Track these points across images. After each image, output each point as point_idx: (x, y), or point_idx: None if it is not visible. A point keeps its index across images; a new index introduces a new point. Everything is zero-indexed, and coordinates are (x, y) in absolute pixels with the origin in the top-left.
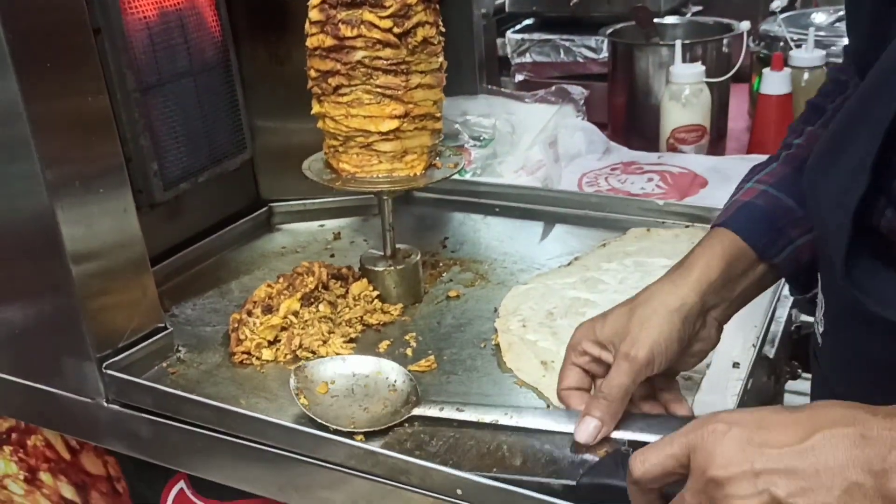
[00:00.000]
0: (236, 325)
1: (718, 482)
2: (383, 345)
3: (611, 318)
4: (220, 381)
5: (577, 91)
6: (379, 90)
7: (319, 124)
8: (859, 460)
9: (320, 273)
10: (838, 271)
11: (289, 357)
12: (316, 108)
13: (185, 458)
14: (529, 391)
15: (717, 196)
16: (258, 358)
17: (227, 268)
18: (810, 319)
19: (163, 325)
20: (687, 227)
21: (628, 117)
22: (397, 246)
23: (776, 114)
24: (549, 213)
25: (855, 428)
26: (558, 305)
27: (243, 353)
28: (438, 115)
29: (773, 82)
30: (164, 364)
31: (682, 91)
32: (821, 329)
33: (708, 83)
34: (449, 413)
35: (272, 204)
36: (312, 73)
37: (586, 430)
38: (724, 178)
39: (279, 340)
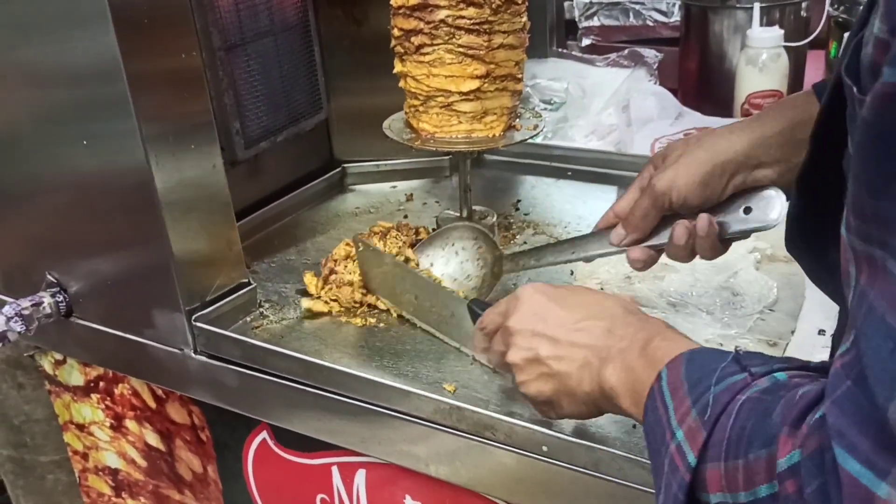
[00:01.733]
0: (329, 271)
1: (509, 331)
2: None
3: (678, 145)
4: (303, 335)
5: (651, 54)
6: (461, 50)
7: (401, 84)
8: (596, 347)
9: (402, 234)
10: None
11: (369, 320)
12: (398, 68)
13: (270, 409)
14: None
15: None
16: (347, 310)
17: (303, 227)
18: None
19: (247, 280)
20: None
21: (700, 82)
22: (473, 207)
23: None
24: (622, 178)
25: (607, 322)
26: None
27: (332, 300)
28: (520, 75)
29: None
30: (248, 318)
31: (760, 56)
32: None
33: (785, 48)
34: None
35: (346, 165)
36: (396, 32)
37: (617, 234)
38: None
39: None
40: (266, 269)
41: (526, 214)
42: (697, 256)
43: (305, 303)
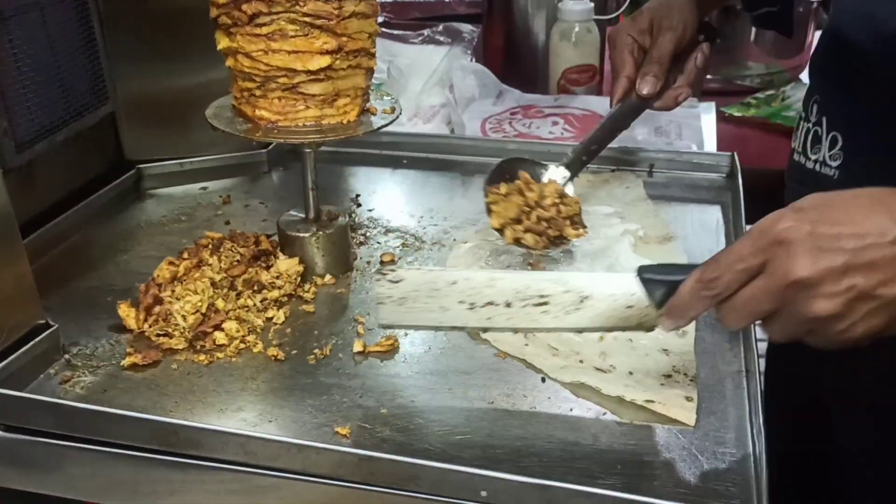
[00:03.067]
0: (152, 299)
1: (805, 283)
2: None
3: (646, 10)
4: (132, 385)
5: (468, 29)
6: (307, 19)
7: (229, 62)
8: None
9: (239, 245)
10: None
11: (216, 355)
12: (224, 43)
13: (109, 491)
14: (514, 362)
15: (630, 137)
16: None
17: (98, 245)
18: None
19: (45, 321)
20: (613, 171)
21: (507, 60)
22: (320, 207)
23: None
24: (463, 164)
25: None
26: (513, 263)
27: (160, 334)
28: (373, 50)
29: None
30: (52, 371)
31: (573, 30)
32: (835, 163)
33: (597, 20)
34: None
35: (141, 166)
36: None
37: (648, 84)
38: None
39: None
40: (62, 303)
41: (370, 210)
42: None
43: (129, 358)
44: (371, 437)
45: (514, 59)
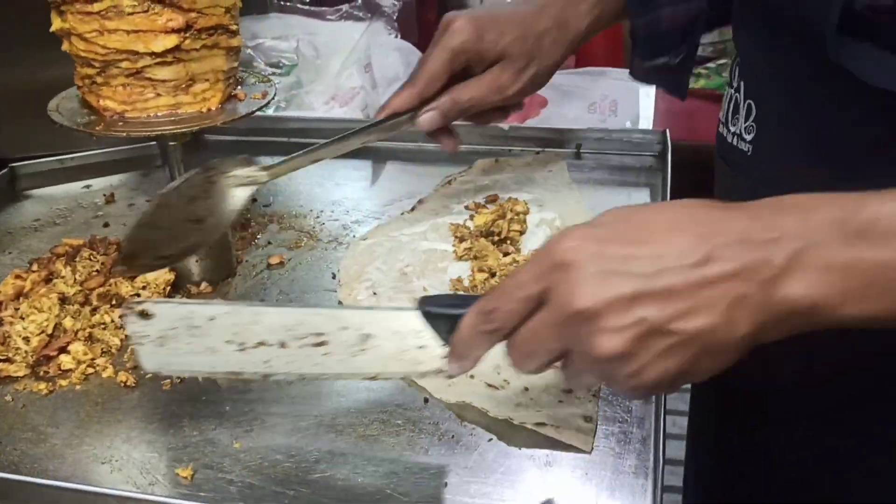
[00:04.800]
0: None
1: (586, 315)
2: None
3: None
4: None
5: (389, 3)
6: None
7: (64, 47)
8: (747, 269)
9: (99, 253)
10: (828, 42)
11: (59, 382)
12: (56, 24)
13: None
14: (396, 380)
15: (561, 114)
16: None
17: None
18: None
19: None
20: (538, 152)
21: None
22: None
23: None
24: (376, 149)
25: (730, 233)
26: (412, 262)
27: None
28: (234, 27)
29: None
30: None
31: (504, 1)
32: (749, 137)
33: None
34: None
35: (14, 164)
36: None
37: (400, 98)
38: (563, 94)
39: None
40: None
41: (266, 206)
42: None
43: None
44: (215, 480)
45: None
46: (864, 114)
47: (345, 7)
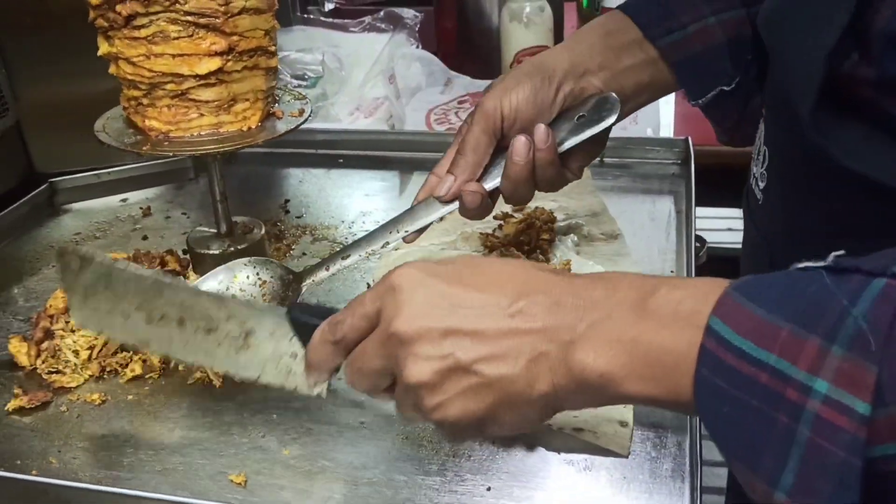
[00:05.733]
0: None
1: (399, 338)
2: None
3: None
4: (15, 432)
5: (410, 15)
6: (189, 18)
7: (112, 70)
8: (549, 329)
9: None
10: (804, 120)
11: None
12: (104, 49)
13: None
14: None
15: None
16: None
17: (4, 268)
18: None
19: None
20: None
21: (461, 43)
22: (233, 219)
23: None
24: (403, 160)
25: (547, 294)
26: None
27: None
28: (273, 48)
29: None
30: None
31: (523, 10)
32: (762, 185)
33: (548, 0)
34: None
35: (53, 179)
36: (94, 0)
37: (443, 185)
38: None
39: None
40: None
41: (298, 217)
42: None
43: (14, 401)
44: (267, 486)
45: (468, 43)
46: (860, 192)
47: (367, 19)
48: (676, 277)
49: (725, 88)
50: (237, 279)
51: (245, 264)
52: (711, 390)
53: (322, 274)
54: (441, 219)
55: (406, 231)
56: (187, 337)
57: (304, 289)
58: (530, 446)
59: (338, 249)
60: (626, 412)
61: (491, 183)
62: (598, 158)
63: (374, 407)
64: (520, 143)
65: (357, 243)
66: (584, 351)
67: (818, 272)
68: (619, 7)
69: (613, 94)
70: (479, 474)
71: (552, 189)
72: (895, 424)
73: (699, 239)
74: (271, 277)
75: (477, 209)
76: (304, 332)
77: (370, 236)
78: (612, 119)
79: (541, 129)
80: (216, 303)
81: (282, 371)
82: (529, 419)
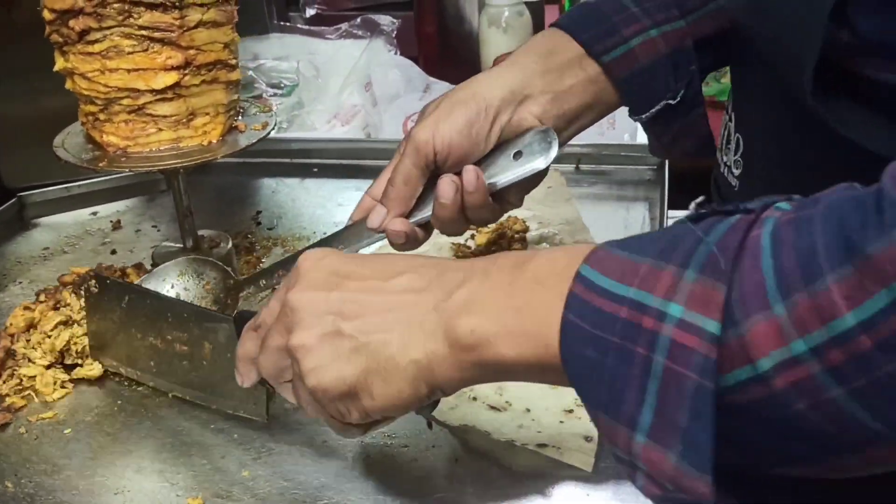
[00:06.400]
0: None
1: (290, 306)
2: None
3: (427, 108)
4: None
5: (387, 21)
6: (144, 33)
7: (68, 85)
8: (427, 295)
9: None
10: (806, 87)
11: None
12: (60, 64)
13: None
14: None
15: None
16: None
17: None
18: None
19: None
20: None
21: (442, 48)
22: (199, 233)
23: None
24: (378, 168)
25: (434, 267)
26: None
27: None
28: (233, 61)
29: None
30: None
31: (502, 14)
32: (737, 171)
33: (526, 3)
34: None
35: (22, 193)
36: (47, 15)
37: (374, 214)
38: None
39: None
40: None
41: (270, 229)
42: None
43: None
44: None
45: (448, 48)
46: (847, 165)
47: (344, 26)
48: (552, 248)
49: (671, 102)
50: (182, 277)
51: (189, 264)
52: (575, 333)
53: (261, 284)
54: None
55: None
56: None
57: (241, 299)
58: (493, 463)
59: (275, 262)
60: (591, 426)
61: (421, 216)
62: (574, 165)
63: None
64: (445, 184)
65: (293, 257)
66: (458, 313)
67: (683, 221)
68: (555, 24)
69: (552, 131)
70: (440, 492)
71: (489, 223)
72: (745, 347)
73: None
74: (216, 280)
75: (403, 245)
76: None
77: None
78: (551, 156)
79: (469, 172)
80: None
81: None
82: (402, 393)
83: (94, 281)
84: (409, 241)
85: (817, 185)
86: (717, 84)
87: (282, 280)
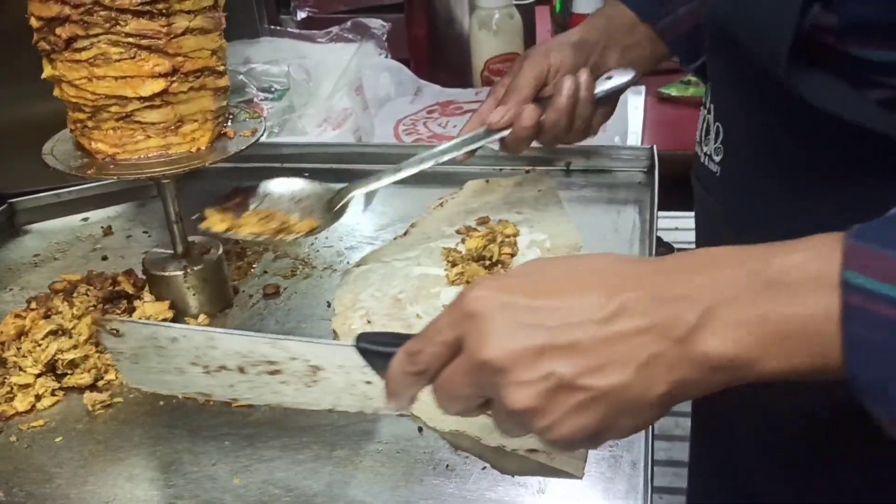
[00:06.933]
0: None
1: (493, 367)
2: None
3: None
4: None
5: (377, 24)
6: (131, 40)
7: (56, 92)
8: (659, 326)
9: (95, 288)
10: (781, 65)
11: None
12: (48, 71)
13: None
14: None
15: None
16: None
17: None
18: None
19: None
20: (528, 171)
21: (432, 51)
22: (190, 239)
23: None
24: (369, 173)
25: (641, 289)
26: (405, 288)
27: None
28: (221, 67)
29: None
30: None
31: (492, 17)
32: (717, 158)
33: (516, 6)
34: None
35: (12, 199)
36: (34, 23)
37: (495, 113)
38: None
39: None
40: None
41: None
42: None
43: None
44: None
45: (439, 51)
46: (822, 139)
47: (334, 29)
48: (778, 243)
49: None
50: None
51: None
52: (869, 348)
53: (372, 185)
54: (472, 153)
55: (454, 154)
56: (251, 380)
57: (352, 197)
58: (482, 470)
59: (390, 167)
60: None
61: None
62: (565, 168)
63: (328, 433)
64: (568, 80)
65: (408, 162)
66: (705, 342)
67: None
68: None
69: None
70: (430, 499)
71: (578, 137)
72: None
73: (666, 245)
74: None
75: (529, 130)
76: (375, 360)
77: (420, 157)
78: (637, 75)
79: (584, 73)
80: (276, 347)
81: (358, 398)
82: (649, 419)
83: (116, 327)
84: (531, 130)
85: (792, 162)
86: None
87: None
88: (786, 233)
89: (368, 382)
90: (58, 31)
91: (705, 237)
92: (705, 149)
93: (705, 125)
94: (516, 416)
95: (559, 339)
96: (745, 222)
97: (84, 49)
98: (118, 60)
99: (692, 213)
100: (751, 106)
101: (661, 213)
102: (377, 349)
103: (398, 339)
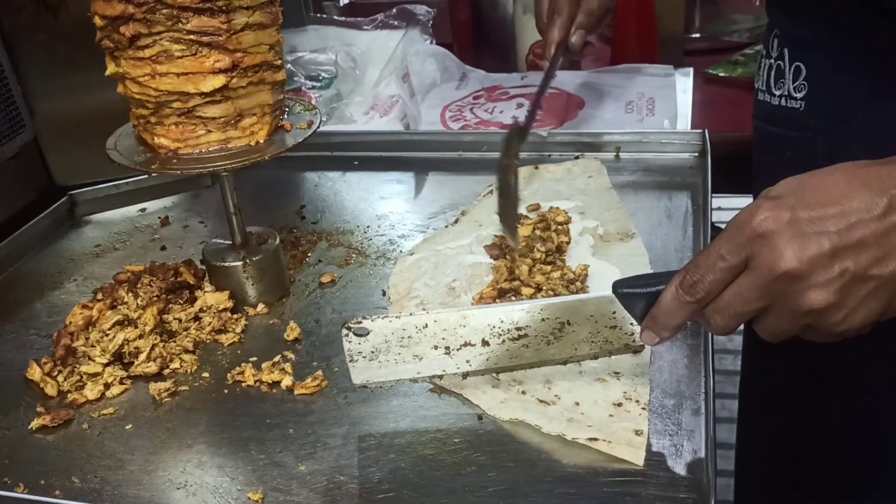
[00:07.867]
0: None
1: (794, 275)
2: (247, 368)
3: None
4: (39, 449)
5: (423, 10)
6: (192, 37)
7: (119, 89)
8: None
9: (158, 279)
10: None
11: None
12: (111, 69)
13: None
14: (450, 398)
15: (598, 116)
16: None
17: (26, 283)
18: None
19: None
20: (577, 157)
21: (476, 36)
22: (247, 229)
23: (636, 17)
24: (418, 161)
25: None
26: (458, 277)
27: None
28: (278, 62)
29: None
30: None
31: None
32: (799, 95)
33: None
34: None
35: (72, 192)
36: (98, 22)
37: (577, 36)
38: (599, 94)
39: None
40: None
41: (314, 223)
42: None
43: (37, 420)
44: (284, 503)
45: (483, 36)
46: None
47: (380, 16)
48: None
49: None
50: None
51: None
52: None
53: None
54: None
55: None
56: (490, 351)
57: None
58: (539, 458)
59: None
60: (640, 420)
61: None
62: (615, 153)
63: (389, 422)
64: None
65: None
66: None
67: None
68: None
69: None
70: (501, 485)
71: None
72: None
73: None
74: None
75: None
76: (634, 302)
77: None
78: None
79: None
80: (528, 310)
81: (598, 344)
82: None
83: (365, 327)
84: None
85: (882, 81)
86: (756, 65)
87: None
88: (876, 144)
89: (612, 328)
90: (122, 29)
91: (789, 162)
92: (778, 92)
93: (774, 72)
94: (812, 315)
95: (846, 239)
96: (835, 144)
97: (147, 47)
98: (180, 57)
99: (746, 196)
100: (836, 37)
101: (714, 198)
102: (639, 291)
103: (656, 279)
